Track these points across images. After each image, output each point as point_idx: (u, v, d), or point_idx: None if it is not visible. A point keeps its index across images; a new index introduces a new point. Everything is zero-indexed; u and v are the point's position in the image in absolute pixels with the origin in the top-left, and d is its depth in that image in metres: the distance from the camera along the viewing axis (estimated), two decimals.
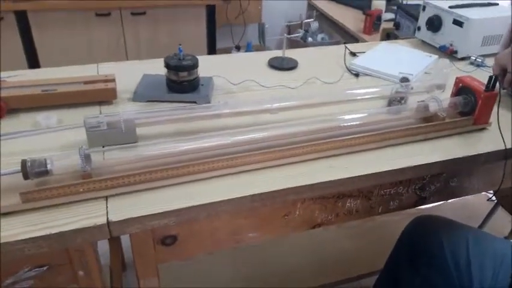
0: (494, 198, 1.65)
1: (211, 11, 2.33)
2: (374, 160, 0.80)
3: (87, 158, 0.67)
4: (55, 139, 0.80)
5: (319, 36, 2.72)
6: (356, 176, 0.75)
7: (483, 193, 1.82)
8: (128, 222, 0.63)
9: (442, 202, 1.65)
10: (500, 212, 1.62)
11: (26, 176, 0.64)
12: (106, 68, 1.08)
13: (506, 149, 0.84)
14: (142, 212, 0.64)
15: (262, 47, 2.99)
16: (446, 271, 0.95)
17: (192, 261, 1.39)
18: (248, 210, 0.76)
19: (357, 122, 0.85)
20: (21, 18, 2.00)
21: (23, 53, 2.08)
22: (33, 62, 2.10)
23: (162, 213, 0.64)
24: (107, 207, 0.65)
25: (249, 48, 2.81)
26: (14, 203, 0.63)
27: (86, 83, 0.94)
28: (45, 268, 0.68)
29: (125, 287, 1.42)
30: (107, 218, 0.62)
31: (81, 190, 0.65)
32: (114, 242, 1.37)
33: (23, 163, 0.64)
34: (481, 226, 1.63)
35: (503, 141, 0.85)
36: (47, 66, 1.10)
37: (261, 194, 0.69)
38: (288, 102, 0.87)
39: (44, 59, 2.11)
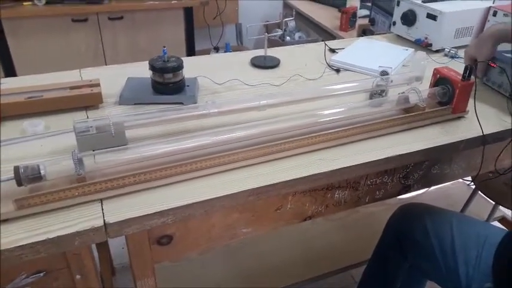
0: (473, 184, 1.72)
1: (189, 13, 2.33)
2: (360, 151, 0.82)
3: (80, 162, 0.67)
4: (43, 145, 0.79)
5: (297, 35, 2.76)
6: (345, 167, 0.78)
7: (461, 181, 1.89)
8: (126, 223, 0.64)
9: (423, 191, 1.72)
10: (479, 198, 1.67)
11: (19, 183, 0.64)
12: (88, 73, 1.07)
13: (484, 135, 0.88)
14: (140, 212, 0.64)
15: (240, 47, 3.01)
16: (432, 256, 0.98)
17: (183, 262, 1.40)
18: (242, 205, 0.78)
19: (342, 116, 0.88)
20: None
21: None
22: (9, 70, 2.06)
23: (159, 212, 0.65)
24: (102, 209, 0.65)
25: (227, 49, 2.82)
26: (8, 210, 0.62)
27: (71, 88, 0.94)
28: (42, 274, 0.68)
29: None
30: (104, 220, 0.63)
31: (76, 194, 0.65)
32: (103, 248, 1.37)
33: (16, 170, 0.64)
34: (461, 212, 1.69)
35: (481, 128, 0.89)
36: (24, 73, 1.08)
37: (258, 188, 0.71)
38: (275, 99, 0.89)
39: (21, 66, 2.08)
